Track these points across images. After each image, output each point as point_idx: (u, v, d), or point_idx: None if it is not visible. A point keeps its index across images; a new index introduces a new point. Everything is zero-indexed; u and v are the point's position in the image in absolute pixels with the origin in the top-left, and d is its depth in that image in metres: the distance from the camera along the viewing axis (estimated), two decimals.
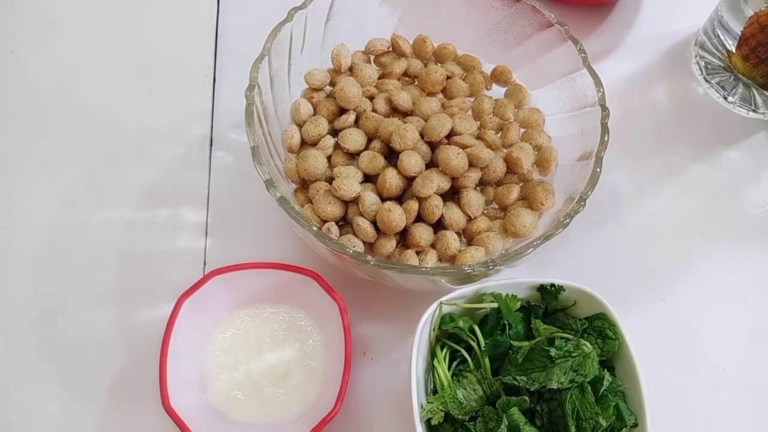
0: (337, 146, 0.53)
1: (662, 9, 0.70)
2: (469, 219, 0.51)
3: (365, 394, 0.51)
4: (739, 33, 0.58)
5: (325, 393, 0.49)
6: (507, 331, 0.47)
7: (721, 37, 0.61)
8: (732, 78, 0.62)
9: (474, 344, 0.46)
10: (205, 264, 0.55)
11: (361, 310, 0.53)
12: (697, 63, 0.66)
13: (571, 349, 0.44)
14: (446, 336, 0.48)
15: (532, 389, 0.44)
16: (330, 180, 0.51)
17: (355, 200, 0.49)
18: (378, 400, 0.51)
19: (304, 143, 0.53)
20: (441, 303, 0.46)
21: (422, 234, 0.49)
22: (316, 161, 0.50)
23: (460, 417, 0.44)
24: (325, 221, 0.50)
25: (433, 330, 0.47)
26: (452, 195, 0.52)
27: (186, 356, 0.49)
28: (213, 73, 0.64)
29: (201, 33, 0.66)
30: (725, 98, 0.64)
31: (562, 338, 0.45)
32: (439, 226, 0.51)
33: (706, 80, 0.65)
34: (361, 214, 0.49)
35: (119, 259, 0.55)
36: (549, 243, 0.45)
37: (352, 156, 0.53)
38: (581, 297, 0.48)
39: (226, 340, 0.51)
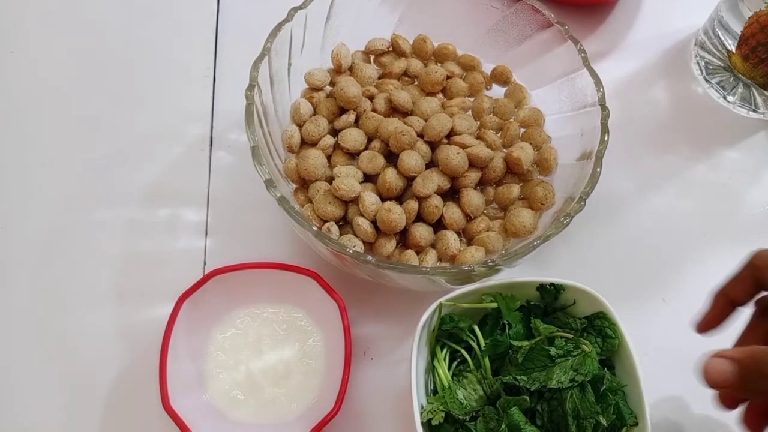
0: (337, 146, 0.53)
1: (662, 9, 0.70)
2: (469, 219, 0.51)
3: (365, 394, 0.51)
4: (739, 33, 0.58)
5: (325, 393, 0.49)
6: (507, 330, 0.47)
7: (721, 37, 0.61)
8: (732, 78, 0.62)
9: (474, 344, 0.46)
10: (205, 264, 0.55)
11: (361, 310, 0.53)
12: (697, 63, 0.66)
13: (571, 349, 0.45)
14: (446, 336, 0.48)
15: (532, 389, 0.44)
16: (330, 180, 0.51)
17: (355, 200, 0.49)
18: (378, 400, 0.51)
19: (304, 143, 0.53)
20: (441, 303, 0.46)
21: (422, 234, 0.49)
22: (316, 161, 0.50)
23: (460, 417, 0.44)
24: (325, 221, 0.50)
25: (433, 330, 0.47)
26: (452, 195, 0.52)
27: (186, 356, 0.49)
28: (213, 73, 0.63)
29: (201, 33, 0.65)
30: (725, 98, 0.64)
31: (561, 337, 0.45)
32: (439, 225, 0.51)
33: (706, 80, 0.65)
34: (361, 214, 0.49)
35: (119, 259, 0.55)
36: (549, 243, 0.45)
37: (352, 156, 0.53)
38: (581, 296, 0.48)
39: (226, 340, 0.51)
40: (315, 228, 0.44)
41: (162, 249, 0.56)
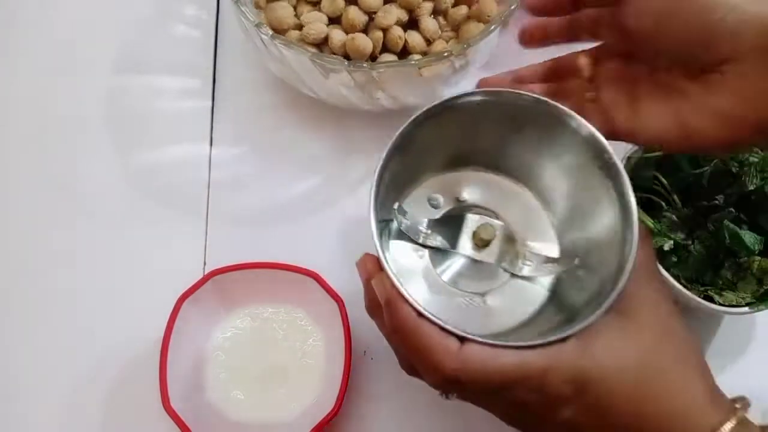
0: None
1: None
2: (429, 43, 0.57)
3: (365, 394, 0.51)
4: None
5: (325, 393, 0.49)
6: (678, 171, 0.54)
7: None
8: None
9: (659, 188, 0.52)
10: (205, 264, 0.55)
11: (361, 310, 0.52)
12: None
13: (747, 158, 0.51)
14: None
15: (731, 200, 0.50)
16: (299, 28, 0.56)
17: (325, 42, 0.55)
18: (378, 400, 0.51)
19: (270, 0, 0.57)
20: (628, 157, 0.51)
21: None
22: (283, 11, 0.55)
23: (682, 242, 0.50)
24: None
25: None
26: (410, 28, 0.58)
27: (186, 356, 0.49)
28: (213, 73, 0.63)
29: (201, 34, 0.66)
30: None
31: (731, 158, 0.52)
32: (404, 56, 0.56)
33: None
34: (332, 52, 0.54)
35: (118, 259, 0.55)
36: None
37: (314, 5, 0.57)
38: None
39: (227, 340, 0.51)
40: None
41: (162, 249, 0.56)
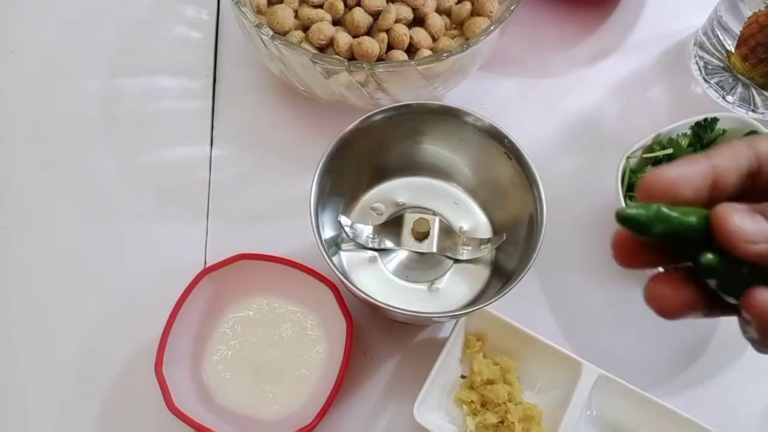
0: (301, 2, 0.58)
1: (662, 9, 0.70)
2: (434, 39, 0.57)
3: (365, 393, 0.51)
4: (738, 33, 0.59)
5: (310, 403, 0.48)
6: None
7: (720, 37, 0.62)
8: (731, 78, 0.62)
9: None
10: (205, 264, 0.55)
11: (362, 309, 0.53)
12: (697, 63, 0.66)
13: None
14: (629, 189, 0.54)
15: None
16: (301, 29, 0.56)
17: (330, 44, 0.55)
18: (378, 399, 0.51)
19: (271, 4, 0.58)
20: (627, 157, 0.53)
21: (398, 57, 0.55)
22: (284, 12, 0.56)
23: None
24: None
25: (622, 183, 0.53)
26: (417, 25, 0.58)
27: (192, 326, 0.49)
28: (214, 74, 0.64)
29: (202, 34, 0.66)
30: (724, 98, 0.64)
31: None
32: (410, 54, 0.57)
33: (705, 80, 0.65)
34: (337, 54, 0.54)
35: (120, 259, 0.56)
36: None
37: (315, 7, 0.57)
38: (729, 124, 0.55)
39: (238, 321, 0.51)
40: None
41: (163, 249, 0.56)
